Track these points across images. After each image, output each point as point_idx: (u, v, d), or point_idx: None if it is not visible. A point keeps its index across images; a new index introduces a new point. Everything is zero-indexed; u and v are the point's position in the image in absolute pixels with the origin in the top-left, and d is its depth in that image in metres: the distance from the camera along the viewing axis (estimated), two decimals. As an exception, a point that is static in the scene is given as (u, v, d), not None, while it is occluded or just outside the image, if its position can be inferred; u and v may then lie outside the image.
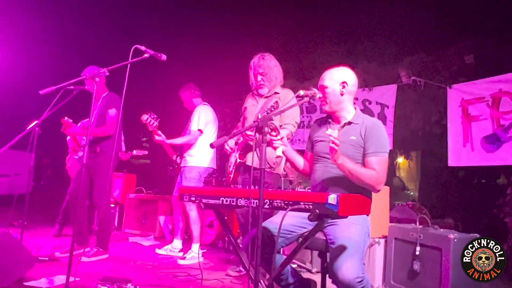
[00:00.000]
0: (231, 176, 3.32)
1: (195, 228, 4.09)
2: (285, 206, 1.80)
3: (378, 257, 3.36)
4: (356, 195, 1.95)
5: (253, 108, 3.41)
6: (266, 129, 1.86)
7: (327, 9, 6.93)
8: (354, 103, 2.41)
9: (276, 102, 3.07)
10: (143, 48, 2.63)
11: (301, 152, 2.57)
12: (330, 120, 2.41)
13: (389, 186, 3.75)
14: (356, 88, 2.38)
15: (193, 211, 4.07)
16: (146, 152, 5.31)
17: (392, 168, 7.89)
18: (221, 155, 5.84)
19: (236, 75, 5.33)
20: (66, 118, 4.05)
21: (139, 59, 2.62)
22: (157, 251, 4.33)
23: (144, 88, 7.97)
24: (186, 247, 4.24)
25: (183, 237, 4.43)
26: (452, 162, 4.76)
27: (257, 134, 1.90)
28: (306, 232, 2.20)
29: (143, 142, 10.12)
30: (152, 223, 5.49)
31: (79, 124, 4.55)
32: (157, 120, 3.90)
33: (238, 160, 3.25)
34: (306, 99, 2.20)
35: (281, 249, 2.43)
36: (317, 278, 2.54)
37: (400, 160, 8.64)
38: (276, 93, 3.33)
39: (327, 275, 2.05)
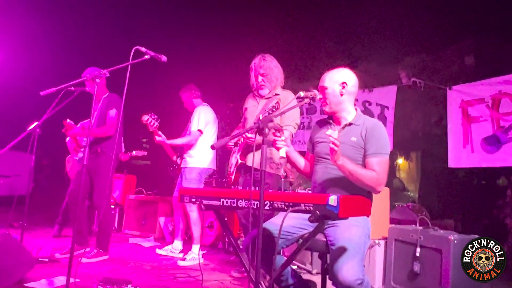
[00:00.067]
0: (232, 177, 3.32)
1: (195, 229, 4.09)
2: (285, 208, 1.80)
3: (378, 258, 3.36)
4: (357, 196, 1.94)
5: (253, 109, 3.41)
6: (266, 130, 1.86)
7: (327, 9, 6.91)
8: (355, 104, 2.41)
9: (277, 102, 3.06)
10: (143, 49, 2.63)
11: (301, 154, 2.57)
12: (331, 121, 2.41)
13: (389, 187, 3.75)
14: (357, 89, 2.38)
15: (193, 212, 4.07)
16: (146, 153, 5.32)
17: (392, 169, 7.87)
18: (221, 156, 5.84)
19: (236, 76, 5.33)
20: (68, 120, 4.05)
21: (140, 60, 2.61)
22: (158, 251, 4.34)
23: (144, 89, 7.96)
24: (186, 248, 4.24)
25: (183, 238, 4.43)
26: (452, 163, 4.76)
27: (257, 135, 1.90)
28: (307, 233, 2.20)
29: (143, 142, 10.11)
30: (152, 224, 5.49)
31: (78, 125, 4.55)
32: (157, 120, 3.90)
33: (239, 161, 3.25)
34: (306, 100, 2.20)
35: (281, 250, 2.42)
36: (317, 279, 2.53)
37: (400, 161, 8.63)
38: (276, 94, 3.33)
39: (327, 277, 2.05)
